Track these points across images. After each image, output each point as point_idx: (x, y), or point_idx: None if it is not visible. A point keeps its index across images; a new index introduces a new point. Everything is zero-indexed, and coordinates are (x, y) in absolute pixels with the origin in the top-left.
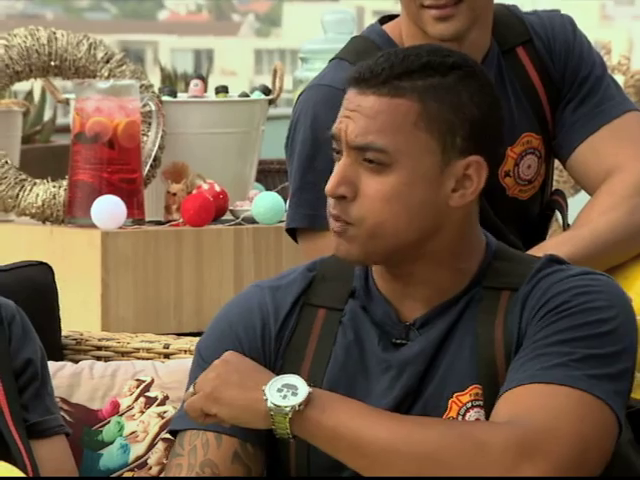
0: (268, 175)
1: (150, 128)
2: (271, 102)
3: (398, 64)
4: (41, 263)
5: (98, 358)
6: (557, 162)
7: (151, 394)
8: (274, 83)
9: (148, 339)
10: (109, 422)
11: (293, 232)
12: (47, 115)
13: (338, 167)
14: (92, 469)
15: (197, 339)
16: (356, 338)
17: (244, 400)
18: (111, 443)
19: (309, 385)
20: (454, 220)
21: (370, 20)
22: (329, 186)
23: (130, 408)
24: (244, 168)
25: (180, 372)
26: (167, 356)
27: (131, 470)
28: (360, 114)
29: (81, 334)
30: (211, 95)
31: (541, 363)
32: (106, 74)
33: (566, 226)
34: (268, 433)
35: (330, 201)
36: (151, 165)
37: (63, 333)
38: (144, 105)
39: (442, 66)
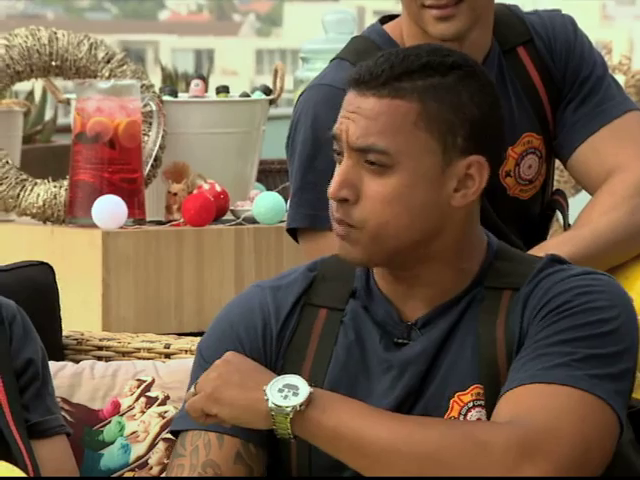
0: (269, 175)
1: (151, 128)
2: (272, 102)
3: (398, 65)
4: (42, 263)
5: (99, 358)
6: (558, 162)
7: (152, 394)
8: (275, 83)
9: (149, 339)
10: (110, 422)
11: (294, 232)
12: (48, 115)
13: (340, 170)
14: (93, 469)
15: (198, 339)
16: (357, 338)
17: (245, 400)
18: (112, 443)
19: (310, 385)
20: (457, 220)
21: (371, 20)
22: (331, 189)
23: (131, 408)
24: (245, 168)
25: (181, 372)
26: (168, 356)
27: (132, 470)
28: (360, 116)
29: (82, 334)
30: (212, 95)
31: (542, 363)
32: (107, 74)
33: (567, 226)
34: (269, 433)
35: (333, 204)
36: (152, 165)
37: (64, 333)
38: (145, 105)
39: (442, 66)
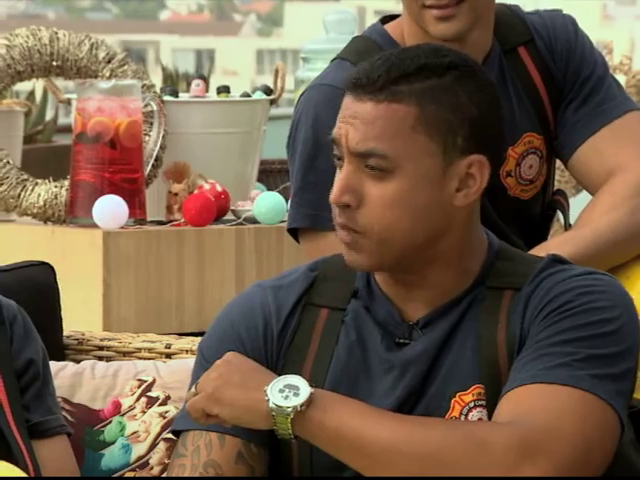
0: (270, 175)
1: (152, 128)
2: (273, 102)
3: (395, 68)
4: (43, 263)
5: (100, 358)
6: (558, 162)
7: (153, 394)
8: (276, 83)
9: (150, 339)
10: (111, 422)
11: (295, 232)
12: (49, 115)
13: (341, 175)
14: (94, 469)
15: (199, 339)
16: (358, 338)
17: (246, 400)
18: (113, 443)
19: (311, 385)
20: (460, 220)
21: (372, 20)
22: (333, 195)
23: (132, 408)
24: (246, 168)
25: (182, 372)
26: (169, 356)
27: (133, 470)
28: (359, 120)
29: (83, 334)
30: (213, 95)
31: (544, 363)
32: (108, 74)
33: (568, 226)
34: (270, 433)
35: (335, 209)
36: (153, 165)
37: (65, 333)
38: (146, 105)
39: (439, 67)
